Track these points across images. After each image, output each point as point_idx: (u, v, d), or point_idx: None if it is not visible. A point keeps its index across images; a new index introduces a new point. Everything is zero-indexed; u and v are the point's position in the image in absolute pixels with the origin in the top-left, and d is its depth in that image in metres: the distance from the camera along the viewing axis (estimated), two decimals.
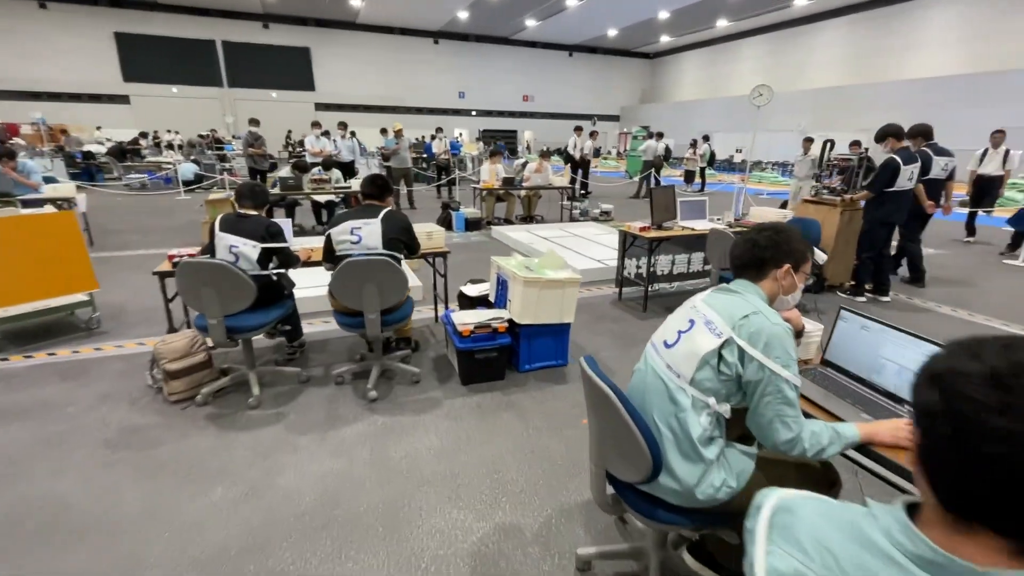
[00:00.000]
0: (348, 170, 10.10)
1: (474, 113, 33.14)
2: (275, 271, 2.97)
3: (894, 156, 4.37)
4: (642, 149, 13.79)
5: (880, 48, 22.79)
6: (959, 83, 19.20)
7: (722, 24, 27.12)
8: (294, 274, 3.12)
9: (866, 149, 6.23)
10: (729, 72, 30.82)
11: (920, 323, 4.29)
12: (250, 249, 2.78)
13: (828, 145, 4.93)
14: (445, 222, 8.18)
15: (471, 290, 3.73)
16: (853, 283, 4.80)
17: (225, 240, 2.78)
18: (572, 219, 9.04)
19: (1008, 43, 18.60)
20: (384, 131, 10.15)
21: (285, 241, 2.94)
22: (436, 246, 3.80)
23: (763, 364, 1.28)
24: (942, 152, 4.28)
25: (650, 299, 4.52)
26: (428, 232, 3.77)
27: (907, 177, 4.40)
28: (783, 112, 25.58)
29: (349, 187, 7.38)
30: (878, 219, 4.55)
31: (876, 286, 4.75)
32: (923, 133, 4.35)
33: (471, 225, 8.11)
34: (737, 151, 24.02)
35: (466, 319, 3.06)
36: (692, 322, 1.44)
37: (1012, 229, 6.69)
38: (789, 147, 24.26)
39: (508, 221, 8.69)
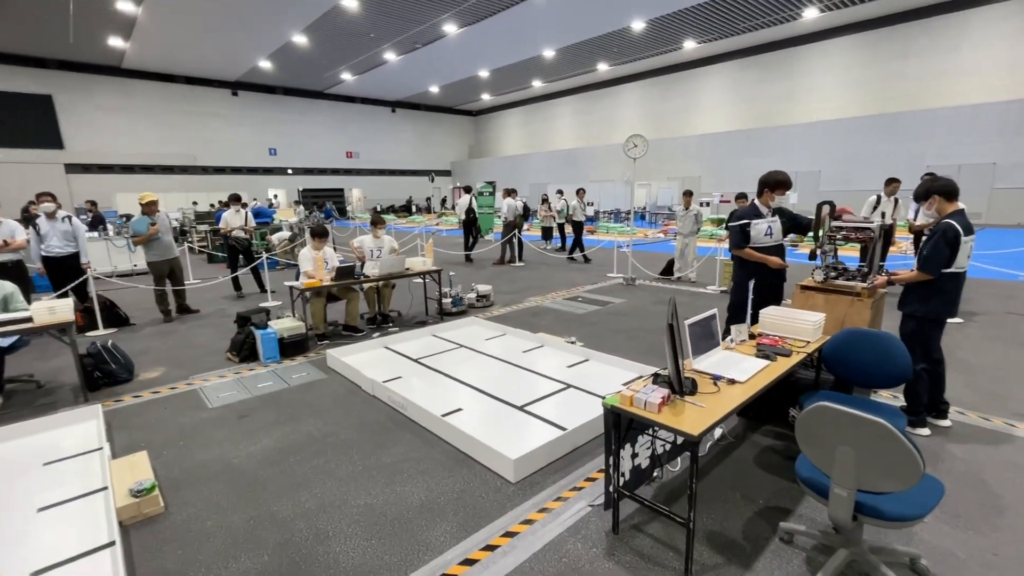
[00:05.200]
0: (66, 269, 6.21)
1: (290, 171, 29.20)
2: None
3: (952, 223, 2.98)
4: (500, 210, 12.17)
5: (670, 108, 26.09)
6: (738, 137, 22.43)
7: (538, 84, 28.60)
8: None
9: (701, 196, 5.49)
10: (548, 128, 32.65)
11: None
12: None
13: (827, 209, 3.38)
14: (244, 347, 5.03)
15: None
16: (909, 408, 3.25)
17: None
18: (442, 311, 6.61)
19: (766, 105, 22.39)
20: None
21: None
22: None
23: None
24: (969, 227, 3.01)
25: (662, 514, 2.31)
26: None
27: (966, 253, 3.04)
28: (601, 165, 27.50)
29: (25, 315, 3.86)
30: (930, 313, 3.10)
31: (930, 405, 3.29)
32: (947, 192, 3.06)
33: (291, 348, 5.11)
34: (588, 204, 24.47)
35: None
36: None
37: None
38: (617, 197, 26.03)
39: (351, 328, 5.87)
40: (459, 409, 3.71)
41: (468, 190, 11.87)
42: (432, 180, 30.60)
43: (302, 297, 5.50)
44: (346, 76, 25.38)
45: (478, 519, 2.53)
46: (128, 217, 16.22)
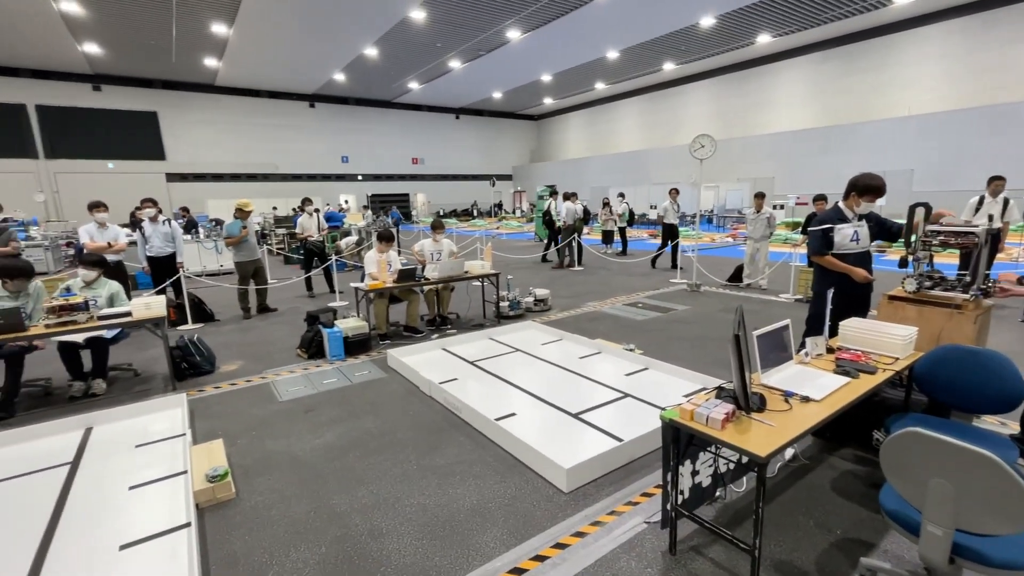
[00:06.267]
0: (165, 268, 6.86)
1: (360, 178, 30.67)
2: None
3: None
4: (558, 212, 12.09)
5: (740, 106, 24.84)
6: (817, 135, 20.92)
7: (600, 87, 28.24)
8: None
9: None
10: (611, 130, 32.13)
11: None
12: None
13: (922, 212, 3.04)
14: (312, 345, 5.31)
15: None
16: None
17: None
18: (499, 315, 6.65)
19: (847, 99, 20.74)
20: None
21: None
22: None
23: None
24: None
25: (725, 537, 2.16)
26: None
27: None
28: (666, 166, 26.64)
29: (126, 310, 4.29)
30: None
31: None
32: None
33: (355, 347, 5.33)
34: (652, 207, 23.98)
35: None
36: None
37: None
38: (682, 200, 25.12)
39: (412, 329, 6.04)
40: (513, 414, 3.70)
41: (553, 194, 11.79)
42: (493, 184, 31.01)
43: (366, 298, 5.73)
44: (413, 85, 26.33)
45: (528, 527, 2.49)
46: (218, 221, 17.70)
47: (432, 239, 6.60)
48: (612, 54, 21.36)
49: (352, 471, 3.08)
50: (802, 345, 2.79)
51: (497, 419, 3.47)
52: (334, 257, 8.35)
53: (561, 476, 2.77)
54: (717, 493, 2.59)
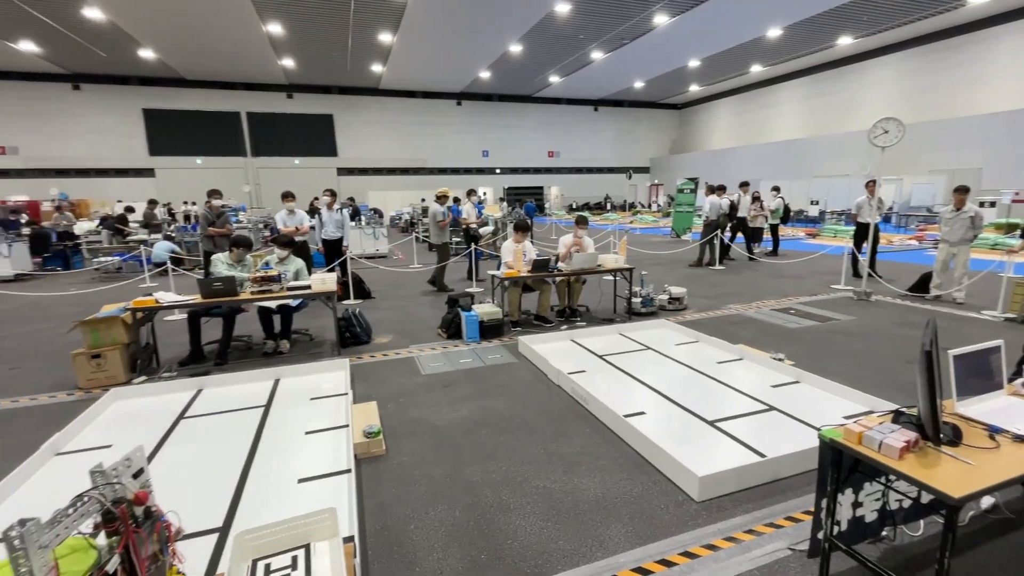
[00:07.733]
0: (335, 249, 7.93)
1: (498, 171, 32.02)
2: None
3: None
4: (703, 208, 11.33)
5: (935, 84, 20.76)
6: None
7: (756, 69, 25.67)
8: None
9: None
10: (765, 118, 29.09)
11: None
12: None
13: None
14: (451, 326, 5.73)
15: None
16: None
17: None
18: (631, 311, 6.47)
19: None
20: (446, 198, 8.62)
21: None
22: None
23: None
24: None
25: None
26: None
27: None
28: (832, 156, 23.39)
29: (307, 283, 5.05)
30: None
31: None
32: None
33: (489, 331, 5.62)
34: (813, 203, 21.42)
35: None
36: None
37: None
38: (852, 192, 21.80)
39: (542, 319, 6.18)
40: (642, 412, 3.60)
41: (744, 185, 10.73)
42: (630, 177, 30.17)
43: (501, 285, 5.99)
44: (554, 79, 26.62)
45: (655, 530, 2.42)
46: (376, 210, 19.85)
47: (574, 234, 6.54)
48: (774, 32, 19.26)
49: (484, 446, 3.28)
50: (1017, 373, 2.27)
51: (625, 416, 3.41)
52: (473, 245, 8.87)
53: (693, 483, 2.63)
54: (884, 532, 2.24)
